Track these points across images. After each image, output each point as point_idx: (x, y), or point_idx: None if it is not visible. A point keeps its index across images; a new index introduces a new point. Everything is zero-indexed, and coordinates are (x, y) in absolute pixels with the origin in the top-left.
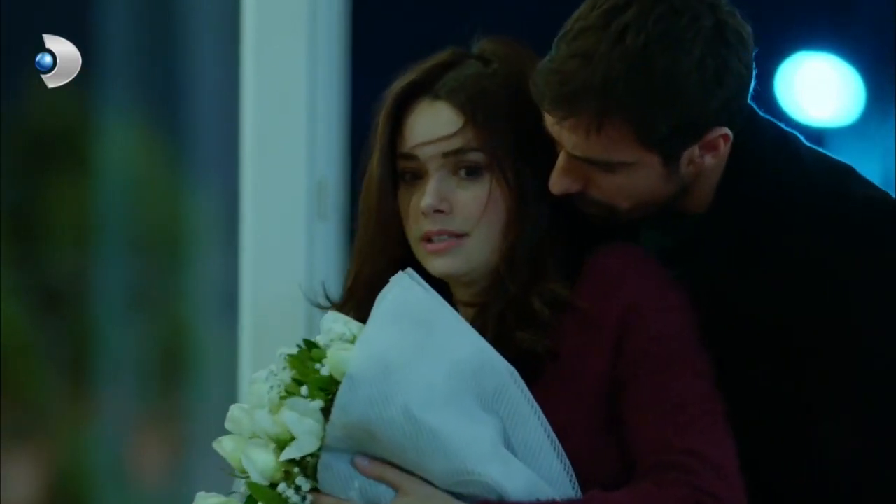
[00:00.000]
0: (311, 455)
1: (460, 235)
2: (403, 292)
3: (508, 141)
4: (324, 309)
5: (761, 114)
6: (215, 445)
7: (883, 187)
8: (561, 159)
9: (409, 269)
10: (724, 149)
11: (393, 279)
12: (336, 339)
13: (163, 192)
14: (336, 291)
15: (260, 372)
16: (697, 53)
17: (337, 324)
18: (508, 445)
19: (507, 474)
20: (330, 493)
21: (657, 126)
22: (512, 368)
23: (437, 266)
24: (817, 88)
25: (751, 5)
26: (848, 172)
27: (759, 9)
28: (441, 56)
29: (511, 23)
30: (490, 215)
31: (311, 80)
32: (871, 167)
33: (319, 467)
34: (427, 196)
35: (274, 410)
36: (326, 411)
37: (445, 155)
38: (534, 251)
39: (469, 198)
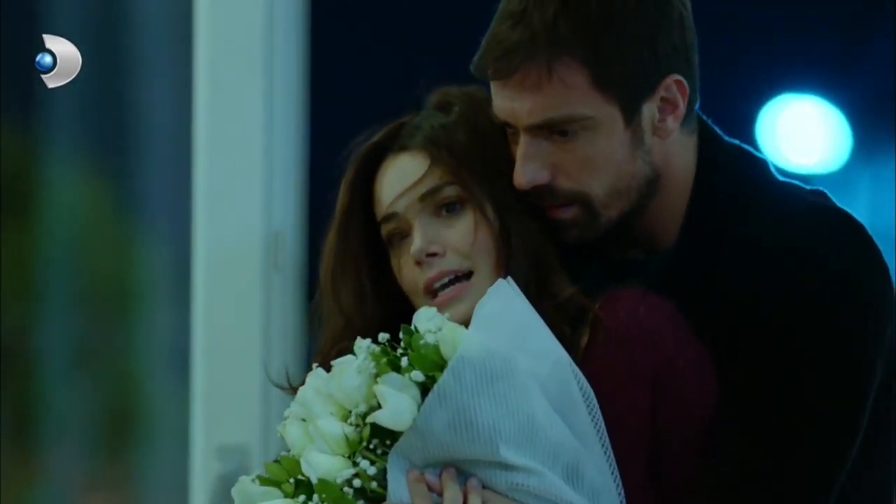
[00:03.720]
0: (371, 480)
1: (464, 276)
2: (502, 301)
3: (477, 170)
4: (289, 392)
5: (726, 139)
6: (280, 429)
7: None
8: (521, 147)
9: (509, 277)
10: (682, 107)
11: (491, 289)
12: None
13: (110, 241)
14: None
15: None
16: None
17: (432, 321)
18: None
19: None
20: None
21: (608, 60)
22: (590, 392)
23: (450, 316)
24: (801, 133)
25: (732, 44)
26: (821, 194)
27: (741, 47)
28: (397, 121)
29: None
30: (482, 247)
31: (267, 128)
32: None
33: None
34: (415, 242)
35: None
36: (424, 392)
37: (422, 198)
38: (535, 268)
39: (457, 233)
